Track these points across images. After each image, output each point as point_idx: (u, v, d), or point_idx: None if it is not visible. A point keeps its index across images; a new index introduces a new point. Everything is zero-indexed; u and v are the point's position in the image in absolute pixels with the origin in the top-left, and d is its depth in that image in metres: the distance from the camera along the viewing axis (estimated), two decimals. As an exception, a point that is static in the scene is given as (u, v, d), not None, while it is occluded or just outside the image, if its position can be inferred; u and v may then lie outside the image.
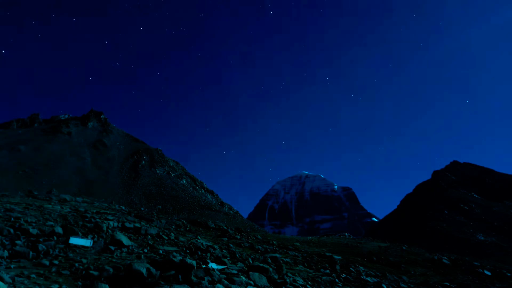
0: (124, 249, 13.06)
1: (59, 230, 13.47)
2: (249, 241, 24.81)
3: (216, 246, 17.61)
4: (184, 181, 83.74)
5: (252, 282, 10.59)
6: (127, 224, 18.09)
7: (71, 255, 11.18)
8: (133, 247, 13.75)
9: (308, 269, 17.30)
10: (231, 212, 76.34)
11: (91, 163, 78.07)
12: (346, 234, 49.00)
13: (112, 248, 12.65)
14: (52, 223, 15.85)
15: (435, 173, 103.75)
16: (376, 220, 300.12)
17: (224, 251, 17.37)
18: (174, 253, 13.52)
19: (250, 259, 16.35)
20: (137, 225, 18.74)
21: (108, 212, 24.63)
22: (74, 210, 21.80)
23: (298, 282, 13.05)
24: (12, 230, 12.50)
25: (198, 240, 18.94)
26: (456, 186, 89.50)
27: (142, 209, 50.72)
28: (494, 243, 58.62)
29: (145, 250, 13.78)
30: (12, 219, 15.15)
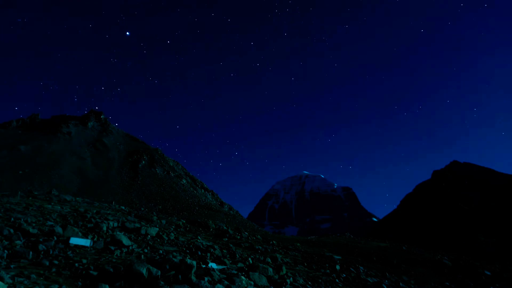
0: (124, 249, 13.06)
1: (59, 230, 13.46)
2: (249, 241, 24.78)
3: (216, 246, 17.59)
4: (184, 181, 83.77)
5: (252, 282, 10.59)
6: (127, 224, 18.07)
7: (71, 255, 11.16)
8: (133, 247, 13.74)
9: (308, 269, 17.30)
10: (231, 212, 76.36)
11: (91, 163, 78.05)
12: (346, 234, 48.95)
13: (112, 248, 12.64)
14: (52, 223, 15.83)
15: (435, 173, 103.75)
16: (376, 220, 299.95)
17: (224, 251, 17.37)
18: (174, 253, 13.53)
19: (250, 259, 16.33)
20: (137, 225, 18.72)
21: (108, 212, 24.61)
22: (74, 210, 21.77)
23: (298, 282, 13.05)
24: (12, 230, 12.48)
25: (198, 240, 18.94)
26: (456, 186, 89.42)
27: (142, 209, 50.71)
28: (494, 243, 58.59)
29: (145, 250, 13.78)
30: (12, 219, 15.12)
